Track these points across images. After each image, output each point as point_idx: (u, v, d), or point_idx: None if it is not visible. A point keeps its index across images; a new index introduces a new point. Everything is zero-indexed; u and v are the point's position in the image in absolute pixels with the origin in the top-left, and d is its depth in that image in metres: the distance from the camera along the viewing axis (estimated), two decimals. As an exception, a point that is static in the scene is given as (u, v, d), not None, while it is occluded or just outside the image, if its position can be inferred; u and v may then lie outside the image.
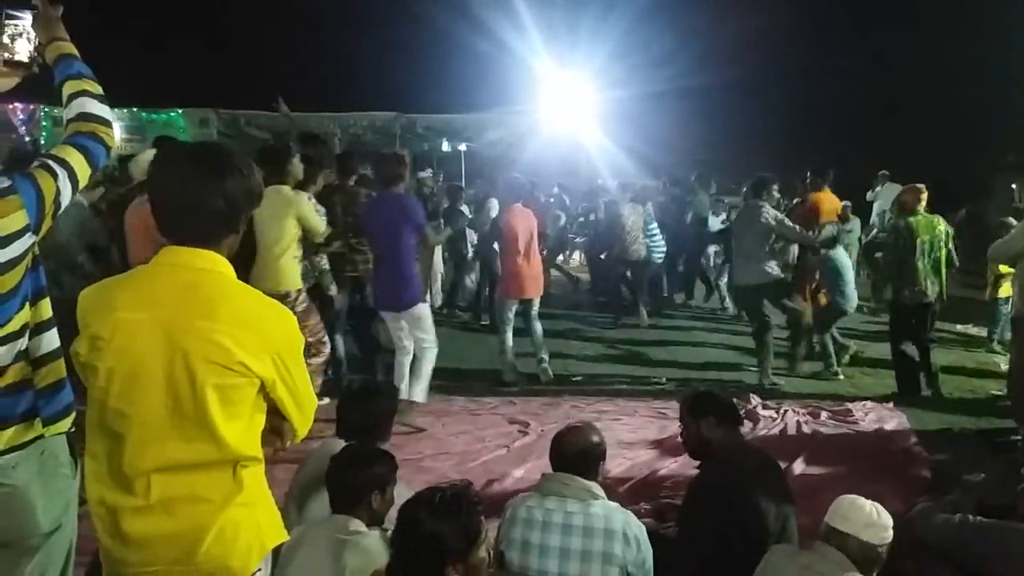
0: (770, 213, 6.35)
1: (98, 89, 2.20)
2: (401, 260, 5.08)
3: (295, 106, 8.31)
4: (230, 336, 1.63)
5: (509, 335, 6.19)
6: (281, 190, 4.65)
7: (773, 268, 6.41)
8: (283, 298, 4.47)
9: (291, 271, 4.69)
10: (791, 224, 6.37)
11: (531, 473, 4.45)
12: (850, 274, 6.86)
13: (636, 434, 5.17)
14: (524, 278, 6.06)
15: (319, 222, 4.79)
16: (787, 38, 17.11)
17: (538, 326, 6.32)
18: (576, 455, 2.62)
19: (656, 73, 14.72)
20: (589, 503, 2.52)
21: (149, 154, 4.90)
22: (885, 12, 17.47)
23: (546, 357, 6.38)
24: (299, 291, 4.74)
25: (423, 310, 5.23)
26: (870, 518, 2.36)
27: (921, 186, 6.13)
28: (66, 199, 2.00)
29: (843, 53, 17.05)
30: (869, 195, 12.89)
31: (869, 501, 2.43)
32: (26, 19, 2.25)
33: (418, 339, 5.22)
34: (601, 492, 2.60)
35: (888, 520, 2.39)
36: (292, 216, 4.64)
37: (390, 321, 5.28)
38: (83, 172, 2.04)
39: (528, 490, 2.88)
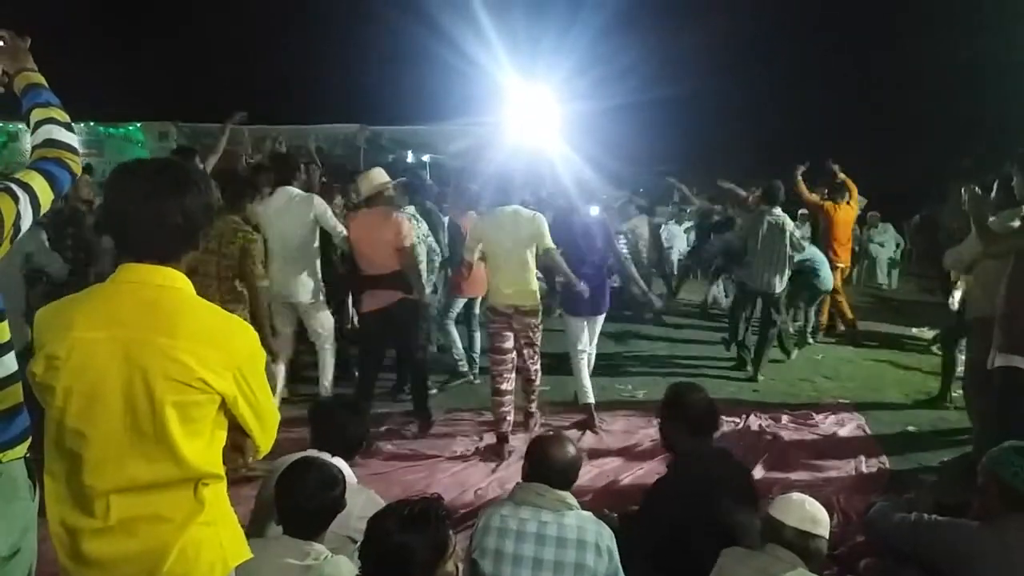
0: (791, 224, 6.79)
1: (65, 117, 2.21)
2: (603, 270, 5.61)
3: (257, 120, 8.24)
4: (190, 353, 1.63)
5: (452, 326, 6.57)
6: (521, 210, 5.00)
7: (786, 277, 6.81)
8: (537, 309, 5.04)
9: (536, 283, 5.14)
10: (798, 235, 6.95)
11: (501, 484, 4.47)
12: (825, 264, 7.68)
13: (603, 443, 5.22)
14: (471, 279, 6.16)
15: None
16: (748, 51, 17.45)
17: (477, 323, 6.77)
18: (560, 468, 2.62)
19: (619, 85, 14.88)
20: (563, 513, 2.54)
21: (378, 171, 5.21)
22: (845, 25, 17.90)
23: (477, 357, 6.65)
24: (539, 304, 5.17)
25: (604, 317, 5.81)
26: (812, 514, 2.43)
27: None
28: (26, 223, 1.99)
29: (802, 65, 17.43)
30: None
31: (807, 496, 2.50)
32: None
33: (592, 339, 5.75)
34: (575, 502, 2.61)
35: (821, 515, 2.46)
36: (533, 233, 4.98)
37: (579, 324, 5.62)
38: (46, 197, 2.03)
39: (496, 498, 2.89)
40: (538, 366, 5.26)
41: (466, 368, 6.59)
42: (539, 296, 5.13)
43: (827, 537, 2.44)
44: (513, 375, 5.13)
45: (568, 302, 5.56)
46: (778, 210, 6.77)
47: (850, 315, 8.47)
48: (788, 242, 6.65)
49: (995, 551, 2.52)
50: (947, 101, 15.26)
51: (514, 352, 5.11)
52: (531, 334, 5.09)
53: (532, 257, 5.01)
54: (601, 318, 5.76)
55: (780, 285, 6.78)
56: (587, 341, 5.67)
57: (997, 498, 2.60)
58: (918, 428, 5.59)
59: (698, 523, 2.74)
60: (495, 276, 5.06)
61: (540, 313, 5.13)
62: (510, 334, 5.06)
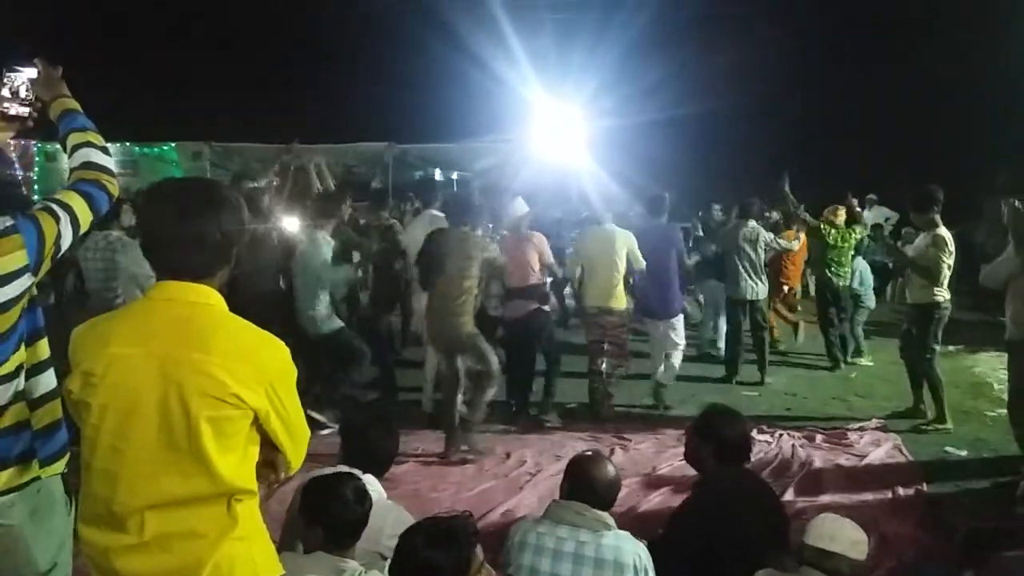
0: (767, 235, 7.28)
1: (101, 141, 2.26)
2: (662, 276, 6.24)
3: (285, 138, 8.36)
4: (224, 368, 1.64)
5: None
6: (616, 228, 5.99)
7: (766, 284, 7.34)
8: (620, 313, 5.94)
9: (623, 292, 6.01)
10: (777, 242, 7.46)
11: (526, 502, 4.45)
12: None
13: (632, 462, 5.15)
14: None
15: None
16: (775, 69, 17.32)
17: None
18: (601, 489, 2.61)
19: (646, 103, 14.81)
20: (602, 534, 2.51)
21: (519, 202, 6.09)
22: (871, 40, 17.73)
23: None
24: (624, 309, 6.05)
25: (681, 319, 6.48)
26: (831, 531, 2.39)
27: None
28: (66, 242, 2.03)
29: (830, 81, 17.27)
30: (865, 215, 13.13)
31: (832, 515, 2.46)
32: (24, 73, 2.29)
33: (672, 341, 6.35)
34: (613, 523, 2.59)
35: (860, 535, 2.42)
36: (624, 248, 5.88)
37: (656, 327, 6.47)
38: (85, 217, 2.08)
39: (524, 517, 2.88)
40: (621, 365, 6.09)
41: None
42: (625, 301, 6.02)
43: (850, 556, 2.37)
44: (604, 361, 5.99)
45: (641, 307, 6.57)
46: (752, 222, 7.24)
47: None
48: (763, 251, 7.18)
49: None
50: (978, 115, 15.00)
51: (604, 343, 5.96)
52: (617, 332, 6.00)
53: (622, 268, 5.89)
54: (673, 321, 6.35)
55: (764, 292, 7.27)
56: (664, 342, 6.32)
57: None
58: (956, 449, 5.45)
59: (723, 544, 2.71)
60: (589, 283, 6.00)
61: (625, 315, 6.04)
62: (600, 330, 5.97)
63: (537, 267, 5.91)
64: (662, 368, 6.35)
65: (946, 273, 5.65)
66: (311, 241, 5.50)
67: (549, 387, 6.10)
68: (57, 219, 1.99)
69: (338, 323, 5.60)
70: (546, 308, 6.10)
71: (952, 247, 5.67)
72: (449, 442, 5.19)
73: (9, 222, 1.92)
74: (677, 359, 6.40)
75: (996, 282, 4.97)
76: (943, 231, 5.66)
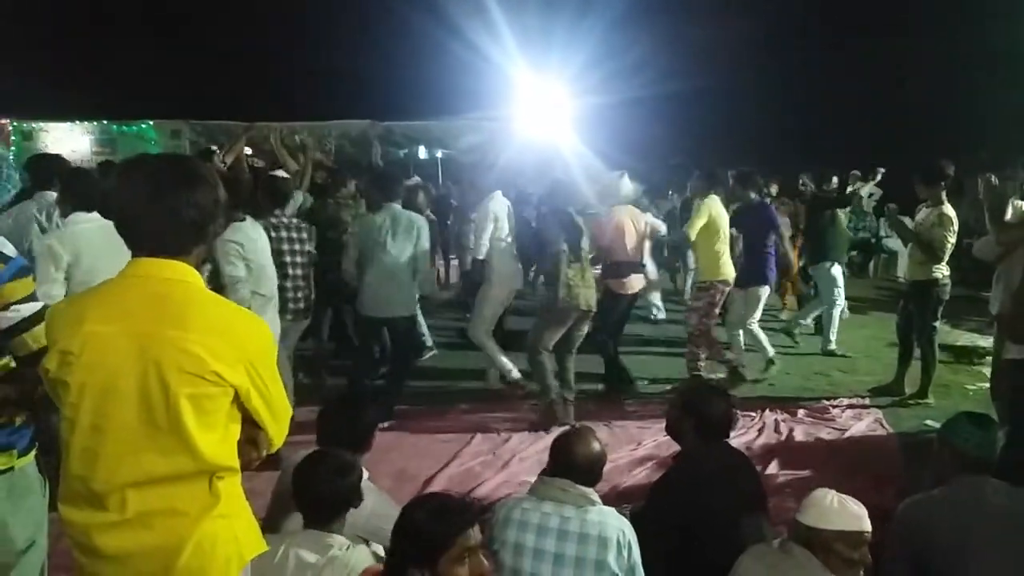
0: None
1: None
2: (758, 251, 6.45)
3: (269, 116, 8.26)
4: (203, 345, 1.62)
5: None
6: (716, 200, 6.07)
7: None
8: (719, 286, 5.98)
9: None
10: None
11: (512, 478, 4.48)
12: None
13: (616, 438, 5.17)
14: None
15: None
16: (761, 45, 17.30)
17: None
18: (587, 465, 2.62)
19: (631, 79, 14.74)
20: (586, 509, 2.53)
21: (626, 179, 6.04)
22: (856, 18, 17.73)
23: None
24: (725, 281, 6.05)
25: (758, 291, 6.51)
26: (839, 510, 2.38)
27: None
28: (6, 321, 2.04)
29: (815, 59, 17.27)
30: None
31: (837, 493, 2.46)
32: None
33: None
34: (597, 498, 2.60)
35: (860, 510, 2.41)
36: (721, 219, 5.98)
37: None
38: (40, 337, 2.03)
39: (509, 494, 2.90)
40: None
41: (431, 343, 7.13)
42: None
43: (821, 527, 2.35)
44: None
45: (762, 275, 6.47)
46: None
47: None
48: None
49: (950, 512, 2.55)
50: (962, 92, 15.08)
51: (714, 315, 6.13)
52: (722, 302, 6.13)
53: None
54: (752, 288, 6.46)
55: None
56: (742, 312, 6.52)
57: (950, 463, 2.66)
58: (936, 423, 5.52)
59: (700, 517, 2.74)
60: (725, 254, 5.98)
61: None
62: (715, 306, 6.06)
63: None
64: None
65: (948, 251, 5.64)
66: (397, 214, 5.14)
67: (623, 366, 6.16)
68: (34, 300, 2.10)
69: None
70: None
71: (956, 226, 5.65)
72: (552, 415, 5.32)
73: (11, 254, 2.04)
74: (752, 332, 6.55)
75: (988, 255, 5.00)
76: (948, 209, 5.64)
